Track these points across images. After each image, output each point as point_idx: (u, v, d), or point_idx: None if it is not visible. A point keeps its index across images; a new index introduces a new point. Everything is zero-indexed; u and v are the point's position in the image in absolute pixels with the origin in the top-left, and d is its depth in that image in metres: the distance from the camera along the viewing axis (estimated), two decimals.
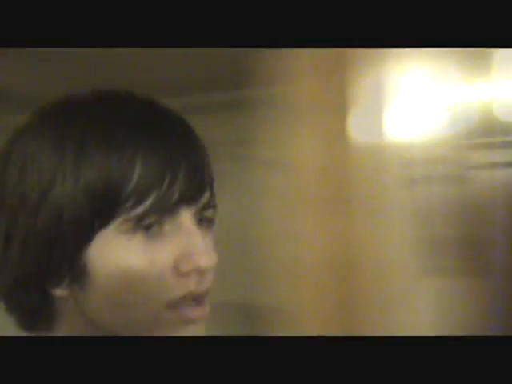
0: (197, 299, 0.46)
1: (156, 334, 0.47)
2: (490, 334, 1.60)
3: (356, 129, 1.30)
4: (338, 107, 1.30)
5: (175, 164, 0.44)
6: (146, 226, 0.44)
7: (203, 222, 0.47)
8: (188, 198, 0.45)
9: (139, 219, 0.43)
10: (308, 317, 1.27)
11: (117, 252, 0.44)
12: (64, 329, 0.48)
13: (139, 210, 0.43)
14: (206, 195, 0.47)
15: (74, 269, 0.44)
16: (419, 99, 1.60)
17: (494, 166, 1.54)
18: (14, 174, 0.45)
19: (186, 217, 0.45)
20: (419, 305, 1.34)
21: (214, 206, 0.49)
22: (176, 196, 0.44)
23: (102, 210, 0.43)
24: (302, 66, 1.31)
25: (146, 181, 0.43)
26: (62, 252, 0.44)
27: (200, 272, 0.45)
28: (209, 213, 0.48)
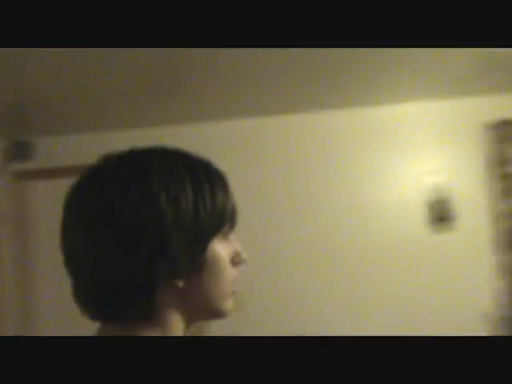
0: None
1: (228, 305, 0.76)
2: None
3: None
4: None
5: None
6: (229, 232, 0.75)
7: None
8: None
9: (231, 228, 0.75)
10: None
11: (220, 250, 0.72)
12: (165, 316, 0.70)
13: (233, 222, 0.75)
14: None
15: (199, 263, 0.69)
16: None
17: None
18: (163, 201, 0.66)
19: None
20: None
21: None
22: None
23: (221, 223, 0.72)
24: None
25: (234, 206, 0.75)
26: (195, 251, 0.69)
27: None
28: None
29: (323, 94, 3.01)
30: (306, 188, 3.29)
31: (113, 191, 0.66)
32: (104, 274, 0.65)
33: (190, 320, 0.72)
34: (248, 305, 3.11)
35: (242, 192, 3.24)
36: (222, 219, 0.71)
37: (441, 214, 3.22)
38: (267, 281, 3.22)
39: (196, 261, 0.68)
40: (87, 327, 0.83)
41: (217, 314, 0.74)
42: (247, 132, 3.33)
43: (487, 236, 3.21)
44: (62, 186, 2.99)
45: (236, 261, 0.75)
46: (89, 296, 0.68)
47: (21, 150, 3.01)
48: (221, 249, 0.71)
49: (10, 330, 3.04)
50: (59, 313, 2.84)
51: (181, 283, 0.67)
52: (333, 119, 3.32)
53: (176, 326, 0.70)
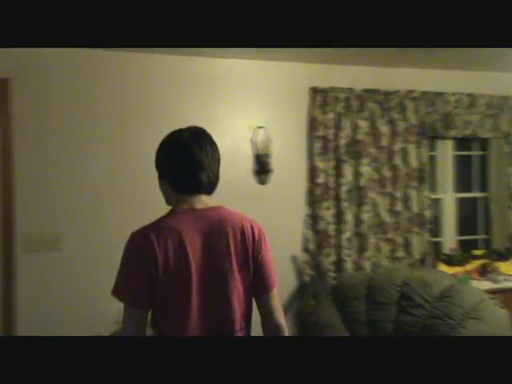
0: None
1: None
2: None
3: None
4: None
5: None
6: None
7: None
8: None
9: None
10: None
11: None
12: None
13: None
14: None
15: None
16: None
17: None
18: None
19: None
20: None
21: None
22: None
23: None
24: None
25: None
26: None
27: None
28: None
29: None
30: (133, 134, 3.26)
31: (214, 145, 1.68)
32: (215, 173, 1.65)
33: None
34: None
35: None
36: None
37: (263, 167, 3.50)
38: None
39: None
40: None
41: None
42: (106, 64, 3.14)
43: (300, 190, 3.62)
44: None
45: None
46: (204, 182, 1.60)
47: None
48: None
49: None
50: None
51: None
52: (172, 64, 3.31)
53: None
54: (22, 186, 3.00)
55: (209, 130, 3.28)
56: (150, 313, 1.51)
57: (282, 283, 3.47)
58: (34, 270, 3.01)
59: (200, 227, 1.54)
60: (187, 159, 1.57)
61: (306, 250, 3.59)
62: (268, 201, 3.52)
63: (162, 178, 1.63)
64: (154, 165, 1.64)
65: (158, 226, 1.53)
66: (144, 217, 1.69)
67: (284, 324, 1.60)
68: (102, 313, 2.94)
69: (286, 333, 1.60)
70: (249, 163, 3.51)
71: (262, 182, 3.52)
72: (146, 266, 1.46)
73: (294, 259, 3.57)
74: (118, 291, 1.49)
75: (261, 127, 3.50)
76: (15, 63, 2.98)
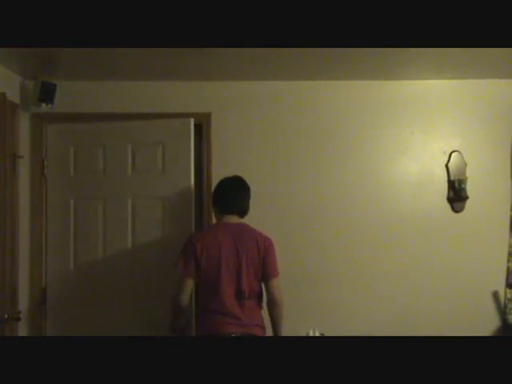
0: None
1: None
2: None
3: None
4: None
5: None
6: None
7: None
8: None
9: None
10: None
11: None
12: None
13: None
14: None
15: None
16: None
17: None
18: None
19: None
20: None
21: None
22: None
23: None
24: None
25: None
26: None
27: None
28: None
29: (352, 66, 3.00)
30: (330, 158, 3.28)
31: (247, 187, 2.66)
32: (246, 204, 2.61)
33: None
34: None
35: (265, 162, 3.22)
36: None
37: (459, 193, 3.23)
38: (286, 255, 3.22)
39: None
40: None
41: None
42: (275, 94, 3.29)
43: (501, 217, 3.26)
44: (79, 131, 3.02)
45: None
46: (234, 209, 2.56)
47: (47, 92, 2.95)
48: None
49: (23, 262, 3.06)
50: (66, 248, 3.18)
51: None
52: (361, 90, 3.29)
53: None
54: None
55: (401, 154, 3.21)
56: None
57: (482, 321, 3.18)
58: None
59: (230, 233, 2.47)
60: (225, 195, 2.59)
61: (510, 285, 3.20)
62: (463, 230, 3.25)
63: (213, 205, 2.63)
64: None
65: (205, 231, 2.69)
66: None
67: (279, 299, 2.47)
68: None
69: (280, 304, 2.47)
70: (443, 190, 3.28)
71: (457, 209, 3.26)
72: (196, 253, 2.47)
73: (496, 295, 3.21)
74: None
75: (455, 151, 3.26)
76: (216, 97, 3.25)
